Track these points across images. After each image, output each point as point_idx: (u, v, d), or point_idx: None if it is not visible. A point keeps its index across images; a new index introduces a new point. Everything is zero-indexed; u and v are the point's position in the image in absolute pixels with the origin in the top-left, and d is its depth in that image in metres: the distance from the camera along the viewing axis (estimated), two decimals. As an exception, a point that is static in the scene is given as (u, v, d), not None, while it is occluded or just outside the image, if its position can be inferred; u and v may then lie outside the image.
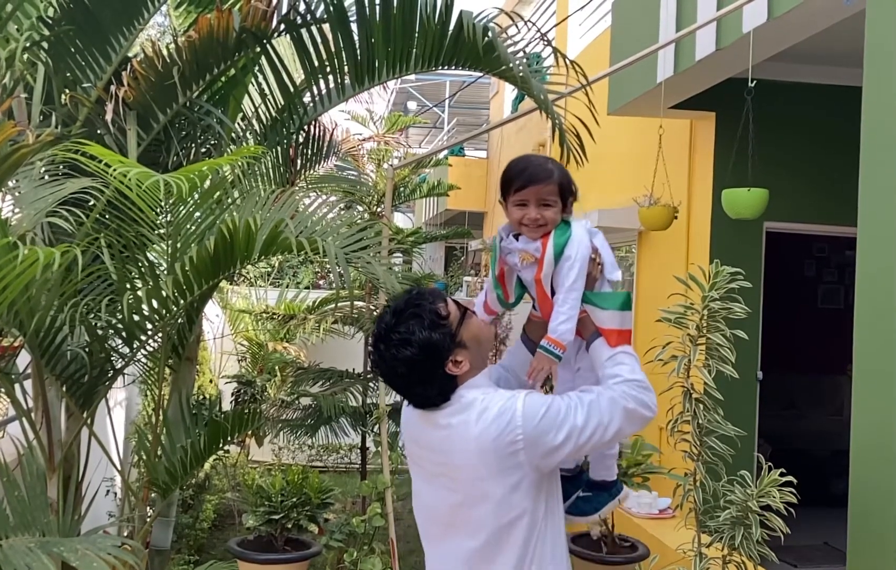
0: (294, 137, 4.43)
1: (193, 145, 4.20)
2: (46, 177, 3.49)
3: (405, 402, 2.40)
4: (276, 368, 9.10)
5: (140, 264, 3.55)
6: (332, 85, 4.16)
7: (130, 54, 4.01)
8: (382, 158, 7.91)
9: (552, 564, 2.30)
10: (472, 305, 2.52)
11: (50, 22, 3.80)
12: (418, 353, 2.23)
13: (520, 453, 2.18)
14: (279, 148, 4.43)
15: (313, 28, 3.92)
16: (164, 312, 3.53)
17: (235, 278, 9.53)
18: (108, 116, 3.57)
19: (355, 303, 6.97)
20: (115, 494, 6.17)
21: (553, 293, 2.41)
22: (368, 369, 7.22)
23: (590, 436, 2.22)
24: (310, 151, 4.78)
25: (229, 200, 3.63)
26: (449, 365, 2.26)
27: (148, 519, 4.03)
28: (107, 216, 3.60)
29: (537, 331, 2.52)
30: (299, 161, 4.67)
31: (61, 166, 3.57)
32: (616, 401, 2.26)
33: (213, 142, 4.26)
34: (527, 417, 2.19)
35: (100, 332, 3.61)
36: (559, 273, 2.35)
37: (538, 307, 2.48)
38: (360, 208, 7.33)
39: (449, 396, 2.28)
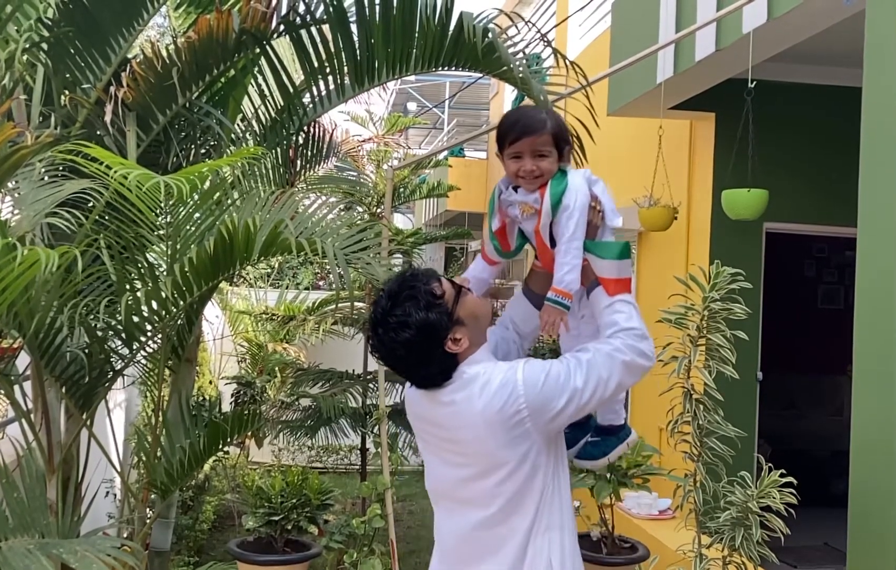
0: (294, 137, 4.43)
1: (193, 146, 4.20)
2: (46, 178, 3.49)
3: (407, 384, 2.42)
4: (276, 369, 9.10)
5: (139, 265, 3.54)
6: (331, 86, 4.16)
7: (130, 55, 4.00)
8: (382, 159, 7.91)
9: (559, 528, 2.33)
10: (466, 282, 2.53)
11: (49, 23, 3.80)
12: (416, 334, 2.25)
13: (525, 421, 2.21)
14: (279, 149, 4.42)
15: (313, 29, 3.91)
16: (163, 313, 3.52)
17: (235, 279, 9.53)
18: (108, 118, 3.57)
19: (355, 304, 6.97)
20: (115, 495, 6.17)
21: (553, 244, 2.41)
22: (368, 370, 7.23)
23: (591, 395, 2.25)
24: (309, 152, 4.78)
25: (229, 202, 3.63)
26: (448, 343, 2.27)
27: (147, 521, 4.02)
28: (106, 217, 3.60)
29: (539, 281, 2.53)
30: (299, 162, 4.67)
31: (61, 167, 3.57)
32: (613, 356, 2.27)
33: (212, 143, 4.26)
34: (528, 385, 2.21)
35: (99, 333, 3.60)
36: (559, 223, 2.35)
37: (538, 253, 2.48)
38: (360, 209, 7.33)
39: (450, 374, 2.29)
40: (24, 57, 3.77)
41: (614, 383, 2.28)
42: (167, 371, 4.10)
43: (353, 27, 3.83)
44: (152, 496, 4.01)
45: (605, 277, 2.37)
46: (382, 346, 2.32)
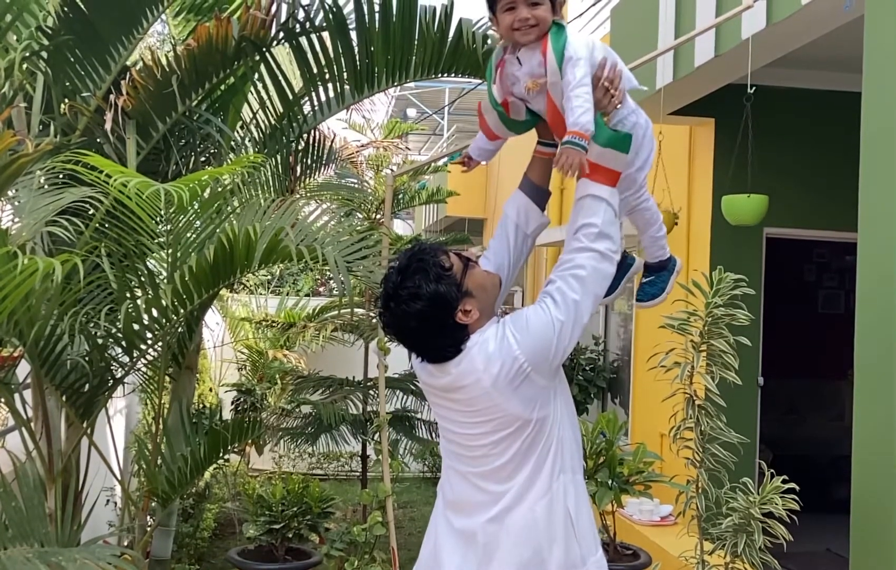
0: (293, 145, 4.43)
1: (193, 154, 4.20)
2: (46, 186, 3.49)
3: (415, 357, 2.44)
4: (277, 376, 9.08)
5: (140, 273, 3.54)
6: (331, 93, 4.16)
7: (130, 63, 4.00)
8: (380, 165, 7.91)
9: (571, 470, 2.37)
10: (467, 155, 2.60)
11: (49, 31, 3.80)
12: (428, 305, 2.28)
13: (526, 370, 2.26)
14: (279, 156, 4.42)
15: (312, 36, 3.92)
16: (163, 321, 3.52)
17: (235, 287, 9.53)
18: (108, 126, 3.57)
19: (355, 311, 6.96)
20: (115, 503, 6.15)
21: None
22: (369, 376, 7.22)
23: (573, 323, 2.28)
24: (309, 159, 4.78)
25: (229, 209, 3.62)
26: (458, 315, 2.31)
27: (148, 529, 4.01)
28: (106, 225, 3.59)
29: (540, 170, 2.54)
30: (299, 169, 4.67)
31: (61, 176, 3.57)
32: (577, 275, 2.29)
33: (212, 150, 4.26)
34: (518, 336, 2.27)
35: (100, 341, 3.60)
36: (565, 74, 2.28)
37: (552, 127, 2.41)
38: (360, 216, 7.33)
39: (461, 347, 2.32)
40: (24, 65, 3.77)
41: (590, 300, 2.30)
42: (167, 379, 4.10)
43: (353, 34, 3.84)
44: (153, 504, 4.00)
45: (588, 157, 2.30)
46: (395, 319, 2.35)
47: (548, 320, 2.27)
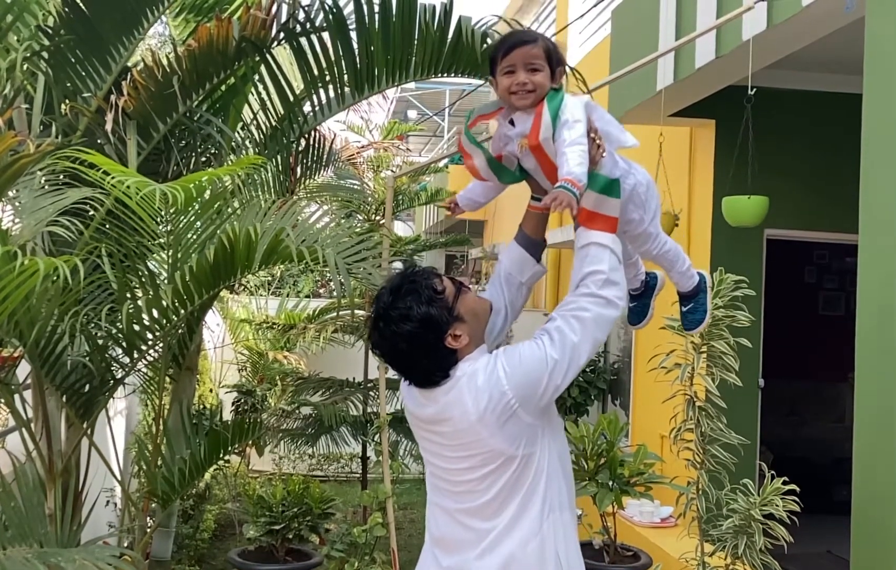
0: (294, 145, 4.43)
1: (193, 155, 4.20)
2: (47, 187, 3.49)
3: (403, 380, 2.42)
4: (277, 377, 9.08)
5: (140, 274, 3.54)
6: (331, 94, 4.16)
7: (130, 64, 4.01)
8: (380, 166, 7.91)
9: (559, 507, 2.34)
10: (454, 200, 2.58)
11: (50, 32, 3.80)
12: (418, 327, 2.26)
13: (513, 407, 2.23)
14: (279, 157, 4.42)
15: (313, 37, 3.92)
16: (164, 321, 3.52)
17: (236, 288, 9.53)
18: (108, 126, 3.57)
19: (356, 312, 6.96)
20: (115, 504, 6.15)
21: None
22: (369, 378, 7.22)
23: (569, 363, 2.26)
24: (309, 160, 4.78)
25: (229, 210, 3.62)
26: (448, 339, 2.29)
27: (148, 530, 4.01)
28: (107, 226, 3.59)
29: (534, 223, 2.53)
30: (299, 170, 4.67)
31: (61, 176, 3.57)
32: (580, 316, 2.27)
33: (213, 151, 4.26)
34: (508, 371, 2.24)
35: (100, 342, 3.60)
36: (560, 134, 2.29)
37: (543, 183, 2.42)
38: (360, 217, 7.33)
39: (450, 372, 2.31)
40: (25, 66, 3.77)
41: (588, 344, 2.28)
42: (168, 380, 4.09)
43: (353, 34, 3.84)
44: (153, 505, 4.00)
45: (582, 205, 2.32)
46: (384, 340, 2.33)
47: (541, 356, 2.24)
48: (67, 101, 3.85)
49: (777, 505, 3.31)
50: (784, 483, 3.34)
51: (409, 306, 2.27)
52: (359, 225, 6.96)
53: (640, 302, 2.76)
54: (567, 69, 3.94)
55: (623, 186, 2.39)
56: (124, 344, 3.62)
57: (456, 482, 2.37)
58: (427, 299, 2.28)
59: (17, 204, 3.44)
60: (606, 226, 2.33)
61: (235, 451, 4.38)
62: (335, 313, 8.04)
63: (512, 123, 2.40)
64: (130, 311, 3.35)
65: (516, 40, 2.38)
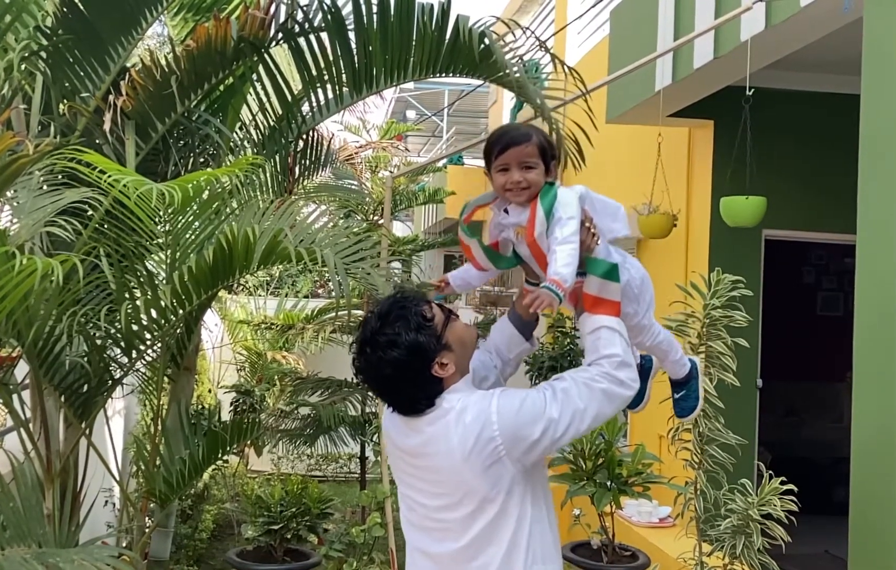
0: (292, 145, 4.43)
1: (191, 155, 4.20)
2: (45, 187, 3.49)
3: (387, 407, 2.39)
4: (275, 377, 9.08)
5: (139, 274, 3.54)
6: (330, 94, 4.16)
7: (129, 64, 4.00)
8: (378, 165, 7.91)
9: (542, 560, 2.30)
10: (444, 280, 2.55)
11: (48, 32, 3.80)
12: (405, 354, 2.23)
13: (500, 451, 2.20)
14: (277, 157, 4.42)
15: (311, 37, 3.92)
16: (162, 321, 3.52)
17: (234, 288, 9.53)
18: (107, 126, 3.57)
19: (354, 312, 6.96)
20: (114, 504, 6.15)
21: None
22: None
23: (567, 426, 2.22)
24: (308, 160, 4.78)
25: (228, 210, 3.62)
26: (435, 367, 2.26)
27: (146, 530, 4.01)
28: (105, 226, 3.59)
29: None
30: (297, 170, 4.67)
31: (60, 176, 3.57)
32: (590, 386, 2.25)
33: (211, 151, 4.26)
34: (502, 415, 2.20)
35: (98, 342, 3.60)
36: (552, 232, 2.32)
37: (539, 272, 2.44)
38: (359, 217, 7.33)
39: (434, 400, 2.28)
40: (23, 66, 3.77)
41: (591, 415, 2.25)
42: (166, 380, 4.09)
43: (351, 34, 3.84)
44: (151, 506, 4.00)
45: (587, 292, 2.35)
46: (369, 366, 2.30)
47: (539, 410, 2.21)
48: (66, 101, 3.85)
49: (775, 505, 3.32)
50: (782, 483, 3.34)
51: (398, 333, 2.24)
52: (357, 225, 6.96)
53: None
54: (566, 69, 3.96)
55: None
56: (123, 344, 3.62)
57: (433, 518, 2.33)
58: (416, 325, 2.25)
59: (15, 204, 3.44)
60: (611, 310, 2.34)
61: (234, 451, 4.38)
62: (334, 314, 8.04)
63: (507, 211, 2.43)
64: (129, 311, 3.35)
65: (509, 140, 2.38)
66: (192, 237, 3.59)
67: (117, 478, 4.11)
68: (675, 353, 2.68)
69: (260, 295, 11.20)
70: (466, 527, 2.26)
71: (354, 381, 7.32)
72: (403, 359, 2.23)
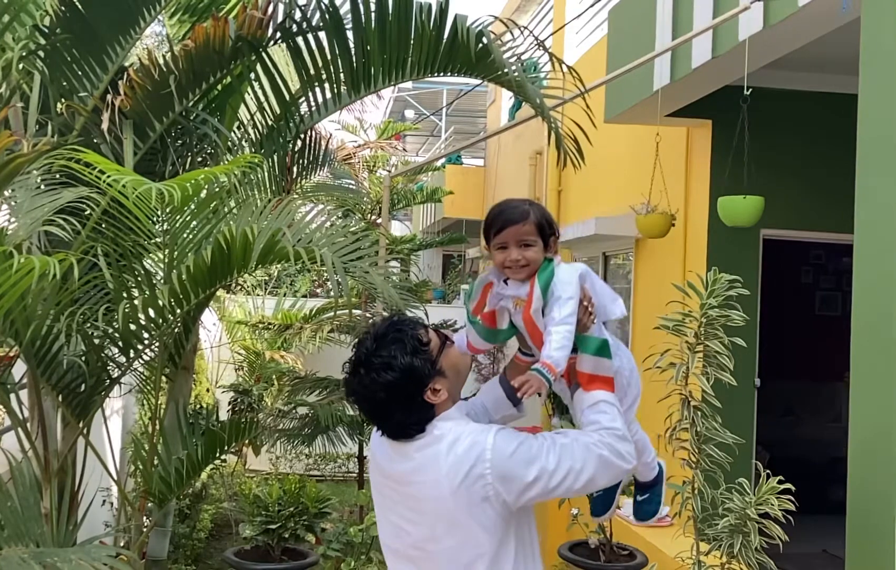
0: (290, 145, 4.43)
1: (189, 154, 4.20)
2: (42, 186, 3.48)
3: (375, 430, 2.36)
4: (273, 377, 9.09)
5: (137, 273, 3.54)
6: (328, 93, 4.16)
7: (127, 64, 4.00)
8: (376, 165, 7.92)
9: None
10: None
11: (46, 31, 3.80)
12: (399, 377, 2.21)
13: (488, 487, 2.16)
14: (276, 156, 4.42)
15: (309, 36, 3.92)
16: (160, 321, 3.52)
17: (232, 287, 9.53)
18: (105, 126, 3.57)
19: (352, 311, 6.97)
20: (112, 504, 6.15)
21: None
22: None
23: (561, 480, 2.19)
24: (306, 160, 4.78)
25: (226, 210, 3.62)
26: (428, 393, 2.24)
27: (144, 529, 4.01)
28: (103, 225, 3.59)
29: (518, 373, 2.48)
30: (295, 169, 4.67)
31: (58, 175, 3.57)
32: (590, 448, 2.23)
33: (209, 151, 4.26)
34: (496, 452, 2.17)
35: (96, 341, 3.60)
36: (550, 310, 2.34)
37: (532, 346, 2.45)
38: (357, 216, 7.34)
39: (425, 426, 2.25)
40: (21, 65, 3.77)
41: (587, 476, 2.22)
42: (164, 379, 4.09)
43: (349, 34, 3.84)
44: (149, 505, 4.00)
45: (581, 370, 2.36)
46: (363, 387, 2.26)
47: (535, 455, 2.18)
48: (64, 100, 3.85)
49: (773, 504, 3.31)
50: (779, 483, 3.34)
51: (393, 355, 2.22)
52: (355, 224, 6.96)
53: (605, 493, 2.70)
54: (564, 68, 3.96)
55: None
56: (120, 343, 3.62)
57: (418, 547, 2.29)
58: (412, 349, 2.23)
59: (12, 203, 3.44)
60: (607, 386, 2.35)
61: (232, 450, 4.38)
62: (332, 313, 8.05)
63: (506, 282, 2.44)
64: (126, 310, 3.34)
65: (507, 219, 2.39)
66: (190, 237, 3.59)
67: (115, 477, 4.11)
68: (648, 455, 2.67)
69: (258, 294, 11.20)
70: (445, 563, 2.24)
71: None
72: (398, 382, 2.21)
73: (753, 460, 5.72)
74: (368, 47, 3.84)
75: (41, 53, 3.80)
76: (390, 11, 3.66)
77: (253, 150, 4.31)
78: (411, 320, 2.33)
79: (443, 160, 14.84)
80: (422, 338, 2.26)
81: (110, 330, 3.58)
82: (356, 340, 2.38)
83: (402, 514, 2.31)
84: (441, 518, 2.21)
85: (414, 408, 2.25)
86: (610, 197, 8.21)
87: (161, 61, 3.65)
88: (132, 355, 3.67)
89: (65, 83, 3.87)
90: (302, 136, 4.51)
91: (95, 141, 3.76)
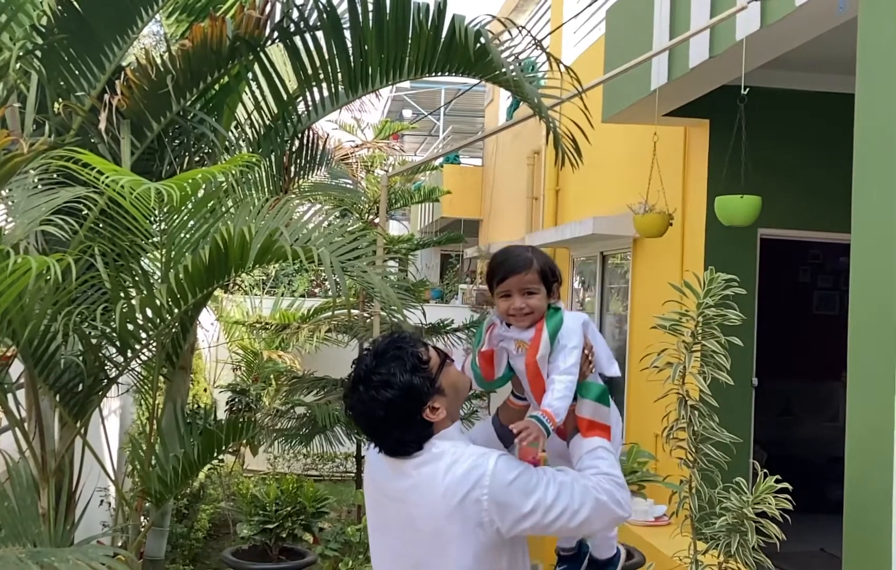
0: (288, 144, 4.43)
1: (187, 154, 4.19)
2: (40, 186, 3.48)
3: (373, 447, 2.36)
4: (271, 377, 9.08)
5: (134, 273, 3.54)
6: (325, 93, 4.16)
7: (124, 63, 4.00)
8: (373, 164, 7.92)
9: None
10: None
11: (43, 31, 3.79)
12: (399, 395, 2.21)
13: (483, 513, 2.15)
14: (273, 156, 4.42)
15: (307, 36, 3.92)
16: (158, 320, 3.51)
17: (230, 287, 9.52)
18: (102, 125, 3.57)
19: (349, 311, 6.96)
20: (109, 504, 6.14)
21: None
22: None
23: (557, 516, 2.18)
24: (303, 160, 4.78)
25: (223, 209, 3.62)
26: (426, 411, 2.24)
27: (142, 529, 4.01)
28: (100, 225, 3.59)
29: (511, 417, 2.50)
30: (293, 169, 4.66)
31: (55, 175, 3.56)
32: (589, 490, 2.23)
33: (206, 150, 4.26)
34: (496, 477, 2.15)
35: (94, 341, 3.59)
36: (555, 359, 2.36)
37: (530, 393, 2.45)
38: (355, 216, 7.34)
39: (423, 444, 2.25)
40: (18, 65, 3.76)
41: (582, 517, 2.21)
42: (162, 379, 4.09)
43: (347, 33, 3.84)
44: (147, 505, 3.99)
45: (581, 415, 2.37)
46: (361, 404, 2.26)
47: (534, 486, 2.17)
48: (61, 99, 3.85)
49: (770, 503, 3.31)
50: (777, 482, 3.34)
51: (393, 373, 2.22)
52: (352, 224, 6.97)
53: (569, 565, 2.65)
54: (562, 68, 3.96)
55: None
56: (118, 343, 3.62)
57: (413, 567, 2.28)
58: (411, 367, 2.23)
59: (10, 203, 3.44)
60: (604, 434, 2.36)
61: (229, 450, 4.38)
62: (329, 313, 8.04)
63: (509, 325, 2.45)
64: (124, 310, 3.34)
65: (510, 268, 2.40)
66: (188, 236, 3.58)
67: (113, 477, 4.10)
68: (613, 530, 2.62)
69: (256, 294, 11.20)
70: None
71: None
72: (396, 400, 2.21)
73: (751, 459, 5.73)
74: (366, 47, 3.84)
75: (38, 53, 3.80)
76: (388, 11, 3.66)
77: (250, 149, 4.31)
78: (412, 338, 2.32)
79: (441, 160, 14.84)
80: (422, 356, 2.26)
81: (108, 330, 3.57)
82: (356, 357, 2.38)
83: (395, 534, 2.30)
84: (434, 540, 2.20)
85: (412, 426, 2.24)
86: (608, 197, 8.22)
87: (158, 61, 3.65)
88: (130, 354, 3.67)
89: (62, 83, 3.87)
90: (299, 135, 4.51)
91: (93, 140, 3.76)
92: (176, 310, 3.47)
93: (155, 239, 3.57)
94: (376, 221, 7.05)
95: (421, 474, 2.22)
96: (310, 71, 4.03)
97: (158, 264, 3.70)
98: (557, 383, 2.30)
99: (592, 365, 2.41)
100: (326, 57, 3.95)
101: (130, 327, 3.50)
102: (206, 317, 9.03)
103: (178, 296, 3.38)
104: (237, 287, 10.73)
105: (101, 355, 3.68)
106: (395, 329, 2.48)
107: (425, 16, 3.61)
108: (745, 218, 4.74)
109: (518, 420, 2.36)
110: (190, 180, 3.18)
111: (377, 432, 2.30)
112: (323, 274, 3.34)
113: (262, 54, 3.93)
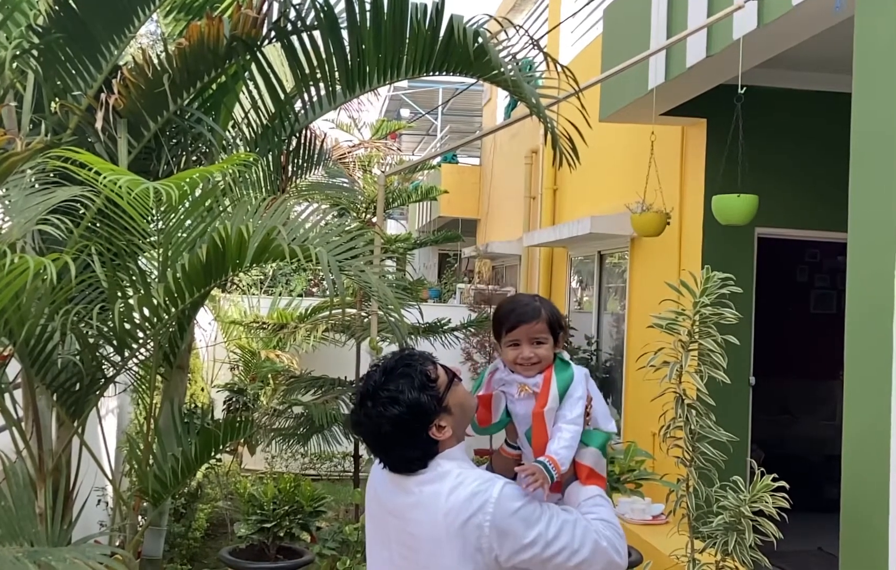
0: (285, 144, 4.43)
1: (184, 153, 4.19)
2: (36, 185, 3.48)
3: (377, 462, 2.36)
4: (269, 376, 9.08)
5: (131, 272, 3.53)
6: (322, 92, 4.16)
7: (121, 63, 4.00)
8: (370, 164, 7.91)
9: None
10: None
11: (40, 30, 3.79)
12: (406, 412, 2.21)
13: (483, 539, 2.14)
14: (270, 155, 4.42)
15: (304, 35, 3.91)
16: (155, 320, 3.51)
17: (227, 286, 9.52)
18: (99, 124, 3.56)
19: (347, 311, 6.96)
20: (107, 503, 6.14)
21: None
22: (360, 376, 7.21)
23: (557, 552, 2.18)
24: (300, 159, 4.78)
25: (220, 208, 3.62)
26: (433, 429, 2.24)
27: (139, 528, 4.00)
28: (97, 224, 3.59)
29: (503, 465, 2.51)
30: (290, 168, 4.66)
31: (51, 175, 3.56)
32: (590, 533, 2.23)
33: (203, 149, 4.25)
34: (500, 504, 2.15)
35: (91, 340, 3.59)
36: (563, 408, 2.38)
37: (524, 442, 2.46)
38: (352, 215, 7.33)
39: (427, 462, 2.25)
40: (15, 64, 3.76)
41: (581, 557, 2.20)
42: (159, 378, 4.08)
43: (344, 33, 3.83)
44: (144, 504, 3.99)
45: (583, 462, 2.38)
46: (368, 419, 2.26)
47: (538, 518, 2.17)
48: (57, 99, 3.84)
49: (767, 502, 3.32)
50: (774, 480, 3.35)
51: (401, 390, 2.22)
52: (350, 223, 6.97)
53: None
54: (559, 67, 3.96)
55: None
56: (115, 342, 3.61)
57: None
58: (419, 385, 2.23)
59: (6, 202, 3.43)
60: (602, 483, 2.40)
61: (227, 450, 4.38)
62: (327, 312, 8.04)
63: (512, 369, 2.46)
64: (121, 309, 3.34)
65: (519, 318, 2.42)
66: (185, 235, 3.58)
67: (110, 477, 4.10)
68: None
69: (253, 294, 11.18)
70: None
71: (347, 379, 7.33)
72: (403, 417, 2.21)
73: (748, 458, 5.73)
74: (363, 46, 3.84)
75: (35, 52, 3.79)
76: (385, 10, 3.66)
77: (248, 149, 4.30)
78: (421, 355, 2.33)
79: (438, 159, 14.84)
80: (430, 374, 2.26)
81: (105, 329, 3.57)
82: (365, 372, 2.38)
83: (393, 549, 2.30)
84: (432, 558, 2.20)
85: (418, 443, 2.24)
86: (605, 196, 8.23)
87: (155, 60, 3.64)
88: (127, 354, 3.66)
89: (59, 82, 3.86)
90: (297, 135, 4.50)
91: (90, 140, 3.76)
92: (173, 309, 3.47)
93: (152, 238, 3.57)
94: (374, 220, 7.05)
95: (424, 492, 2.22)
96: (307, 70, 4.03)
97: (156, 264, 3.69)
98: (564, 432, 2.32)
99: (590, 418, 2.42)
100: (324, 56, 3.95)
101: (128, 326, 3.49)
102: (204, 316, 9.02)
103: (176, 295, 3.37)
104: (235, 286, 10.71)
105: (98, 354, 3.67)
106: (406, 347, 2.48)
107: (423, 15, 3.61)
108: (743, 217, 4.75)
109: (510, 468, 2.38)
110: (187, 180, 3.18)
111: (383, 448, 2.30)
112: (320, 273, 3.34)
113: (259, 54, 3.93)
